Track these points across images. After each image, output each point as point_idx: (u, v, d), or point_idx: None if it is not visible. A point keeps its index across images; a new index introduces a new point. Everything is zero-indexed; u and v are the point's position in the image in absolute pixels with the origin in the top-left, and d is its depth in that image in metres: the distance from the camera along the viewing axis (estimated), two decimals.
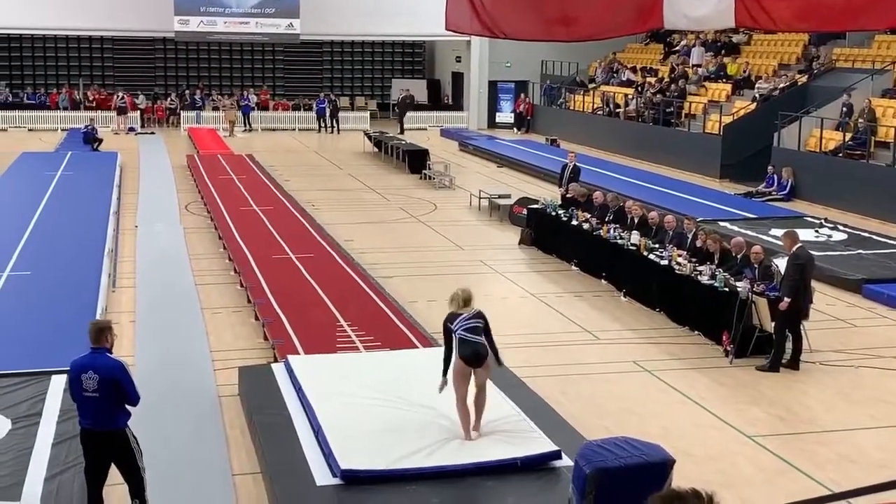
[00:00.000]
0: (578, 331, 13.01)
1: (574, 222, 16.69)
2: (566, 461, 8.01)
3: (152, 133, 36.89)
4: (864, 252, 16.98)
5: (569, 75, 38.73)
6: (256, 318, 12.83)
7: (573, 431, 8.95)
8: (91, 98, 40.18)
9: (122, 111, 37.49)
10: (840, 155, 23.03)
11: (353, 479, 7.85)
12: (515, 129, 38.54)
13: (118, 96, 38.32)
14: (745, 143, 26.17)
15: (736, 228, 18.22)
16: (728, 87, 29.88)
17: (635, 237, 14.84)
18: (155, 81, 42.66)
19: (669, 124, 29.76)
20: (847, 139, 23.14)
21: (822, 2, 7.09)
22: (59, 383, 9.89)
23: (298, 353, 10.89)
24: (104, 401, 7.12)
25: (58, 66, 42.17)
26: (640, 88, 33.15)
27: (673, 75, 32.49)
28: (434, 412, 9.00)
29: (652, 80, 33.42)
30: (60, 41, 41.59)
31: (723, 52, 32.40)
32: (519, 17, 10.85)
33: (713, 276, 12.63)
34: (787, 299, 11.32)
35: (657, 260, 13.97)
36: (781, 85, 27.46)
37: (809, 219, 19.84)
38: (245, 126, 38.32)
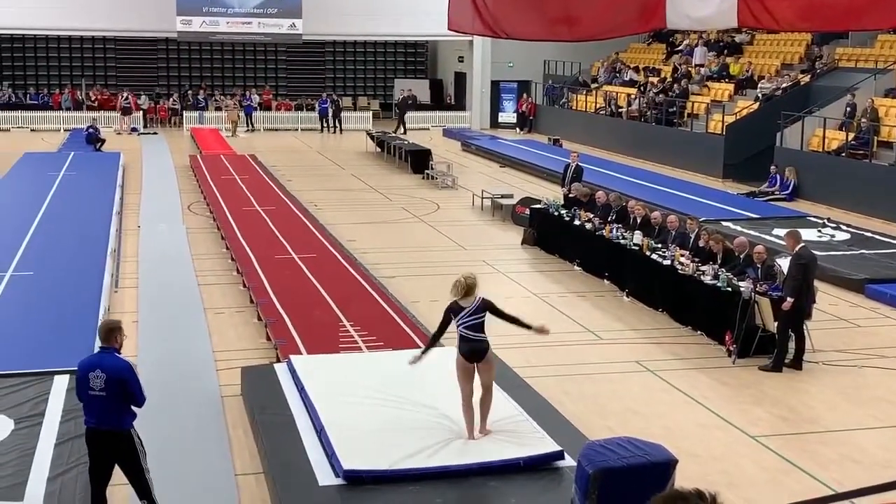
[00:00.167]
0: (581, 331, 13.00)
1: (577, 222, 16.68)
2: (569, 461, 8.00)
3: (155, 133, 36.90)
4: (866, 252, 16.96)
5: (571, 75, 38.73)
6: (259, 319, 12.83)
7: (576, 431, 8.94)
8: (93, 98, 40.19)
9: (126, 111, 37.52)
10: (843, 155, 23.02)
11: (356, 480, 7.85)
12: (518, 129, 38.54)
13: (123, 96, 38.33)
14: (748, 142, 26.16)
15: (739, 228, 18.21)
16: (731, 86, 29.86)
17: (638, 237, 14.84)
18: (157, 82, 42.69)
19: (672, 124, 29.75)
20: (850, 139, 23.12)
21: (824, 1, 7.08)
22: (61, 383, 9.91)
23: (301, 354, 10.89)
24: (110, 400, 7.13)
25: (60, 66, 42.21)
26: (642, 88, 33.13)
27: (675, 75, 32.47)
28: (436, 412, 9.01)
29: (654, 79, 33.40)
30: (63, 41, 41.62)
31: (725, 51, 32.39)
32: (521, 17, 10.85)
33: (716, 276, 12.62)
34: (789, 299, 11.31)
35: (660, 260, 13.97)
36: (784, 85, 27.45)
37: (812, 219, 19.82)
38: (247, 126, 38.34)
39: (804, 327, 11.65)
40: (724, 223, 18.75)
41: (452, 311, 8.52)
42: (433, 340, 8.86)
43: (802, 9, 7.24)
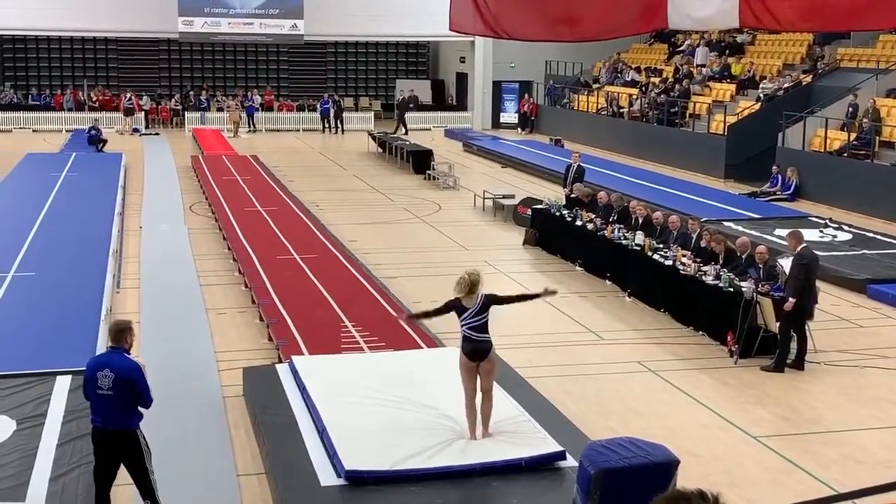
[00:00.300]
0: (583, 331, 13.00)
1: (578, 222, 16.68)
2: (571, 462, 8.00)
3: (157, 134, 36.92)
4: (868, 252, 16.96)
5: (573, 75, 38.72)
6: (261, 319, 12.84)
7: (578, 432, 8.94)
8: (94, 99, 40.22)
9: (129, 112, 37.54)
10: (844, 155, 23.01)
11: (358, 480, 7.85)
12: (519, 130, 38.53)
13: (126, 97, 38.35)
14: (750, 143, 26.15)
15: (740, 228, 18.20)
16: (732, 87, 29.85)
17: (639, 237, 14.84)
18: (159, 82, 42.70)
19: (673, 124, 29.74)
20: (851, 139, 23.11)
21: (826, 2, 7.09)
22: (63, 384, 9.91)
23: (303, 354, 10.89)
24: (117, 400, 7.15)
25: (62, 67, 42.24)
26: (644, 88, 33.12)
27: (677, 75, 32.47)
28: (438, 412, 9.01)
29: (656, 80, 33.39)
30: (65, 42, 41.64)
31: (727, 52, 32.38)
32: (523, 18, 10.86)
33: (718, 277, 12.62)
34: (791, 299, 11.31)
35: (661, 260, 13.96)
36: (786, 85, 27.44)
37: (814, 219, 19.81)
38: (249, 127, 38.35)
39: (806, 328, 11.65)
40: (726, 223, 18.74)
41: (455, 309, 8.53)
42: (427, 315, 9.20)
43: (804, 9, 7.24)
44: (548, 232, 17.83)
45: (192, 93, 41.02)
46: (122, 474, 7.43)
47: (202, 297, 14.03)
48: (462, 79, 42.23)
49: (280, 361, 10.92)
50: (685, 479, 6.02)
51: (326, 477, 7.98)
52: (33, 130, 37.29)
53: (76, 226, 18.20)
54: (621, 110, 32.86)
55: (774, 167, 24.19)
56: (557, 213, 17.54)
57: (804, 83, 27.19)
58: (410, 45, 45.26)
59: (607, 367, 11.59)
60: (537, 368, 11.17)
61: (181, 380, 10.60)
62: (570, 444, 8.38)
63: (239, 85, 42.88)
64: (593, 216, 16.54)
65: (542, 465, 8.17)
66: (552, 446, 8.37)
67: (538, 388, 10.14)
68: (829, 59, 27.92)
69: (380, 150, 31.74)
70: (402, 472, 7.95)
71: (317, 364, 10.39)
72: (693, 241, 14.10)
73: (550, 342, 12.49)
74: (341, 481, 7.89)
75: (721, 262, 13.12)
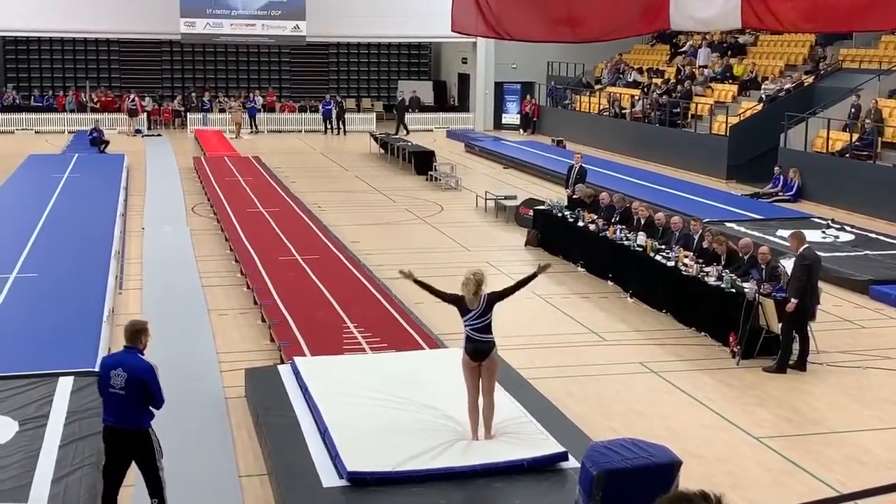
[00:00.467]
0: (585, 332, 13.00)
1: (580, 223, 16.67)
2: (573, 463, 8.00)
3: (159, 135, 36.94)
4: (870, 253, 16.95)
5: (575, 76, 38.73)
6: (263, 320, 12.84)
7: (580, 433, 8.94)
8: (96, 100, 40.25)
9: (132, 113, 37.56)
10: (847, 156, 22.99)
11: (360, 481, 7.85)
12: (521, 131, 38.53)
13: (129, 98, 38.37)
14: (752, 143, 26.14)
15: (742, 229, 18.20)
16: (734, 87, 29.84)
17: (641, 238, 14.83)
18: (161, 84, 42.72)
19: (676, 125, 29.73)
20: (854, 140, 23.10)
21: (828, 2, 7.09)
22: (66, 385, 9.91)
23: (305, 355, 10.89)
24: (129, 399, 7.20)
25: (64, 68, 42.27)
26: (646, 89, 33.12)
27: (679, 76, 32.47)
28: (440, 413, 9.01)
29: (658, 81, 33.40)
30: (67, 44, 41.68)
31: (729, 52, 32.37)
32: (525, 19, 10.87)
33: (720, 277, 12.61)
34: (793, 300, 11.30)
35: (663, 261, 13.96)
36: (788, 86, 27.42)
37: (816, 220, 19.80)
38: (251, 128, 38.36)
39: (808, 328, 11.64)
40: (728, 224, 18.73)
41: (458, 307, 8.54)
42: (431, 290, 8.80)
43: (806, 10, 7.25)
44: (550, 233, 17.83)
45: (194, 94, 41.04)
46: (127, 474, 7.44)
47: (204, 299, 14.04)
48: (464, 80, 42.24)
49: (282, 362, 10.93)
50: (687, 480, 6.02)
51: (328, 478, 7.98)
52: (35, 132, 37.33)
53: (78, 227, 18.20)
54: (623, 111, 32.85)
55: (776, 168, 24.19)
56: (559, 214, 17.54)
57: (806, 84, 27.17)
58: (412, 47, 45.27)
59: (609, 368, 11.59)
60: (539, 369, 11.17)
61: (183, 381, 10.58)
62: (572, 444, 8.38)
63: (241, 86, 42.88)
64: (595, 217, 16.54)
65: (545, 466, 8.16)
66: (554, 447, 8.37)
67: (540, 389, 10.14)
68: (831, 60, 27.91)
69: (381, 151, 31.75)
70: (404, 472, 7.95)
71: (319, 365, 10.40)
72: (695, 241, 14.10)
73: (552, 343, 12.49)
74: (343, 482, 7.89)
75: (723, 262, 13.11)
